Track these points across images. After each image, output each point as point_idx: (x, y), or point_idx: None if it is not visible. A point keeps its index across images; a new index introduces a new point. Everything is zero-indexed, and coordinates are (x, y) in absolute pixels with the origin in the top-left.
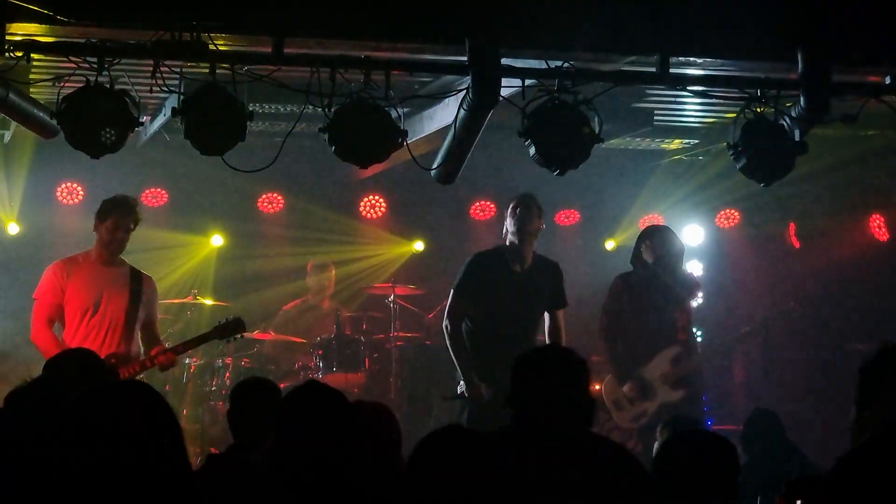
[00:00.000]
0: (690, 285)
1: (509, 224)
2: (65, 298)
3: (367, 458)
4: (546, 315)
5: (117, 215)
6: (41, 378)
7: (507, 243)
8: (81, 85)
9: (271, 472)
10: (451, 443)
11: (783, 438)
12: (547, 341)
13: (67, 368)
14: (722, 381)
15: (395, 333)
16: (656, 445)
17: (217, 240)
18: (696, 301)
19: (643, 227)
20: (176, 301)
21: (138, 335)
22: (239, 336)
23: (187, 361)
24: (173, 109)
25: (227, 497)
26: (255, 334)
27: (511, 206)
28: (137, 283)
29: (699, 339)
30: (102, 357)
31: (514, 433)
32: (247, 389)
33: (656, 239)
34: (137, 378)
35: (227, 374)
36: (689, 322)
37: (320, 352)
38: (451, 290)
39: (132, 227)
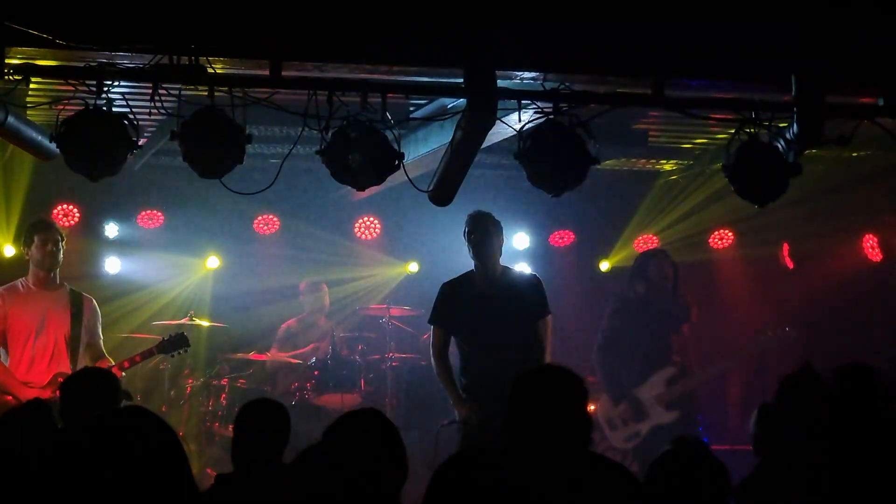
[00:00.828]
0: (686, 308)
1: (468, 249)
2: (7, 325)
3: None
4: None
5: (40, 233)
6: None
7: (473, 266)
8: (79, 108)
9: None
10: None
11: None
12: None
13: (82, 388)
14: (716, 402)
15: (391, 354)
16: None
17: (213, 261)
18: (691, 322)
19: (638, 249)
20: (172, 322)
21: (83, 356)
22: (183, 351)
23: (182, 383)
24: (172, 132)
25: None
26: (252, 355)
27: (466, 230)
28: (78, 305)
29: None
30: (50, 377)
31: (512, 455)
32: (253, 410)
33: (651, 263)
34: None
35: (223, 395)
36: (684, 344)
37: (316, 372)
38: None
39: (59, 238)
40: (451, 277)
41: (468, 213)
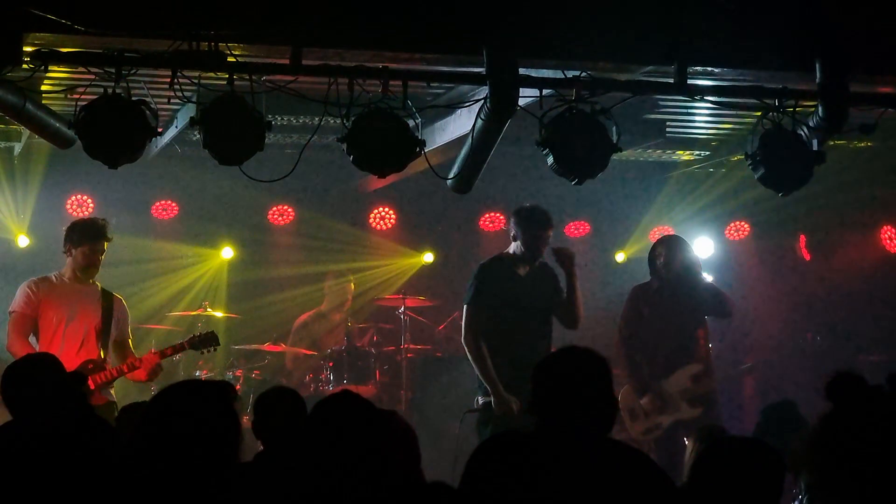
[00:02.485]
0: (715, 294)
1: (523, 237)
2: (39, 313)
3: (394, 470)
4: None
5: (91, 241)
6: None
7: (514, 251)
8: (95, 96)
9: (298, 479)
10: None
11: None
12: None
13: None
14: (734, 397)
15: (406, 345)
16: (688, 451)
17: (227, 252)
18: (725, 311)
19: (655, 239)
20: (187, 313)
21: (112, 349)
22: (212, 349)
23: (197, 374)
24: (191, 119)
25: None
26: (267, 346)
27: (532, 223)
28: (108, 301)
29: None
30: (79, 364)
31: (539, 440)
32: (270, 399)
33: (669, 249)
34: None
35: (238, 387)
36: (706, 337)
37: (331, 364)
38: (465, 306)
39: (105, 247)
40: (486, 259)
41: (533, 207)
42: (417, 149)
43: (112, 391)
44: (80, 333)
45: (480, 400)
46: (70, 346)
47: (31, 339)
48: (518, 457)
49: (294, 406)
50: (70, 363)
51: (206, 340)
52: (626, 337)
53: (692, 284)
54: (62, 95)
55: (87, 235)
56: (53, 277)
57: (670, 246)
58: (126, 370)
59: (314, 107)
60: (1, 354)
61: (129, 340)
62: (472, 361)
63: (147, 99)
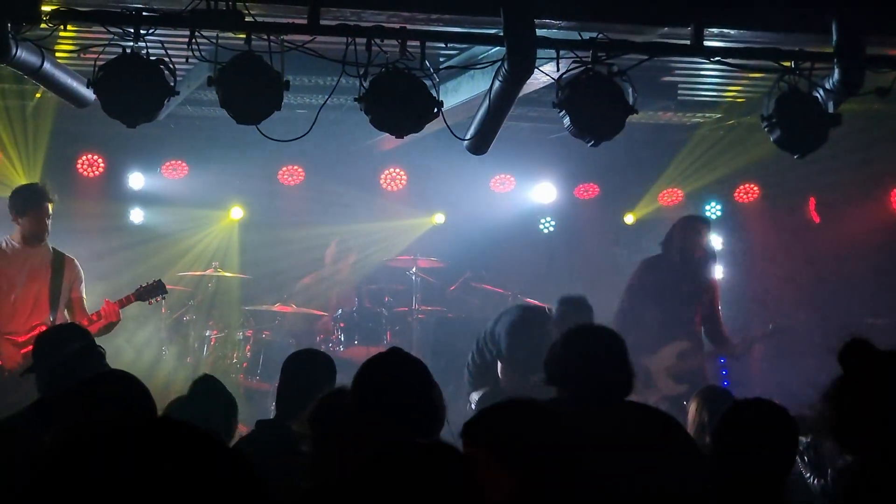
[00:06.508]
0: (709, 283)
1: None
2: None
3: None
4: None
5: (34, 207)
6: None
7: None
8: (113, 56)
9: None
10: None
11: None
12: None
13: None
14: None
15: (417, 306)
16: (690, 413)
17: (237, 212)
18: (712, 289)
19: (663, 203)
20: (197, 273)
21: (63, 311)
22: (160, 299)
23: (207, 334)
24: (209, 79)
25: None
26: (276, 307)
27: (698, 232)
28: (59, 264)
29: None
30: (29, 327)
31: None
32: (299, 360)
33: (688, 229)
34: None
35: (248, 347)
36: (709, 314)
37: (342, 324)
38: None
39: (50, 210)
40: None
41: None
42: (435, 109)
43: None
44: (30, 298)
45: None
46: (20, 311)
47: None
48: (541, 416)
49: (326, 369)
50: (21, 327)
51: (152, 290)
52: (621, 310)
53: (695, 264)
54: (76, 56)
55: (29, 202)
56: (3, 243)
57: (685, 227)
58: (86, 323)
59: (330, 67)
60: None
61: (83, 300)
62: None
63: (165, 59)
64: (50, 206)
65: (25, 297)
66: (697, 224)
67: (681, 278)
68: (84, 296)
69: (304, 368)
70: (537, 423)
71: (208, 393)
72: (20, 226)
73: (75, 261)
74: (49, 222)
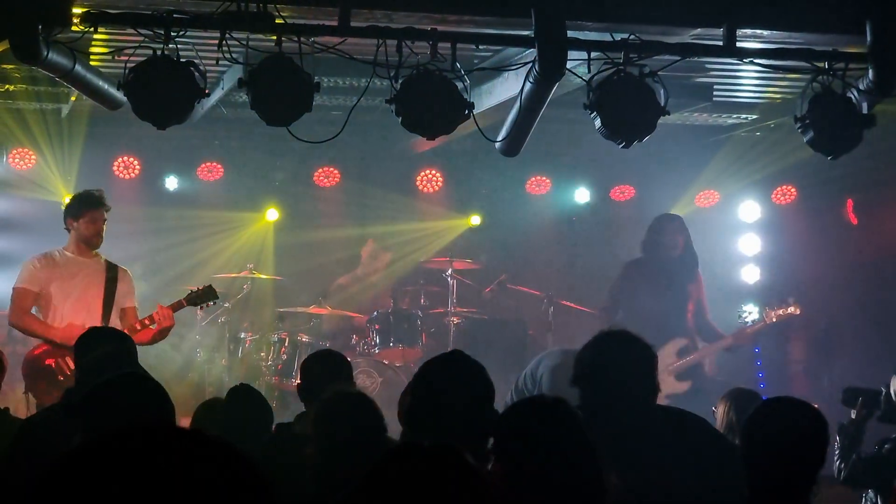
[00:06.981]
0: (693, 279)
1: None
2: (42, 288)
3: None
4: None
5: (92, 209)
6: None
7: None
8: (143, 58)
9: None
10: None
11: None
12: None
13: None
14: (778, 359)
15: (453, 308)
16: (719, 414)
17: (272, 214)
18: (696, 281)
19: (699, 205)
20: (232, 275)
21: (115, 321)
22: (212, 303)
23: (241, 336)
24: (239, 80)
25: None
26: (312, 309)
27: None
28: (113, 274)
29: (755, 319)
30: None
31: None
32: (317, 360)
33: (660, 227)
34: None
35: (283, 349)
36: (697, 310)
37: (377, 326)
38: None
39: (105, 216)
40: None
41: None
42: (466, 111)
43: None
44: (83, 308)
45: None
46: (74, 320)
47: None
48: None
49: (340, 368)
50: (74, 338)
51: (203, 295)
52: (605, 308)
53: (674, 261)
54: (109, 58)
55: (85, 203)
56: (56, 253)
57: (656, 225)
58: (139, 328)
59: (361, 68)
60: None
61: (136, 311)
62: None
63: (195, 60)
64: (105, 213)
65: (78, 307)
66: (663, 223)
67: (664, 277)
68: (136, 306)
69: (314, 370)
70: (538, 421)
71: (245, 402)
72: (74, 230)
73: (129, 272)
74: (104, 228)
